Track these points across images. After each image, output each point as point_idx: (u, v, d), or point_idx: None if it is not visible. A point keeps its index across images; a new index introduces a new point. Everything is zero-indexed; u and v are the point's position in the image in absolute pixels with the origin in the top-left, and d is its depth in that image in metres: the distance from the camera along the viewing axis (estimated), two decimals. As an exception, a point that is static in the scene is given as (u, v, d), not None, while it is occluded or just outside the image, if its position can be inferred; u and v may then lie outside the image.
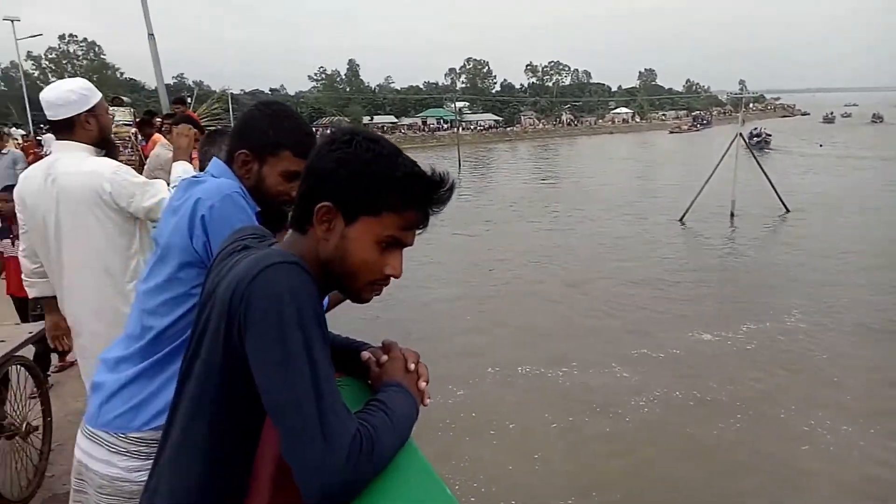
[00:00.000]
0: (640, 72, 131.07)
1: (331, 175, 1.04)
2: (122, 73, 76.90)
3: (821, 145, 44.53)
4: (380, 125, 74.05)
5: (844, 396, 6.41)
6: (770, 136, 43.71)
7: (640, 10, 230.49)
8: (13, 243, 4.49)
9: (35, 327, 3.56)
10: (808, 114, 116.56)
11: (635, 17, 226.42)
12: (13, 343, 3.25)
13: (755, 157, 18.21)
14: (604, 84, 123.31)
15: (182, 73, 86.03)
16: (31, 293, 2.63)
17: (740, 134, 17.67)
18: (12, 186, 4.87)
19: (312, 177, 1.07)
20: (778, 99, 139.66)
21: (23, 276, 2.63)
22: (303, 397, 0.88)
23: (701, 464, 5.26)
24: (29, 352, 3.74)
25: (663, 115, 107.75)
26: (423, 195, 1.06)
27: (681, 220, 16.06)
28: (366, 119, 77.12)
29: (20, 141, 19.31)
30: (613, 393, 6.38)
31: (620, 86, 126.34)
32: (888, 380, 6.75)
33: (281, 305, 0.91)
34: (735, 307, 9.14)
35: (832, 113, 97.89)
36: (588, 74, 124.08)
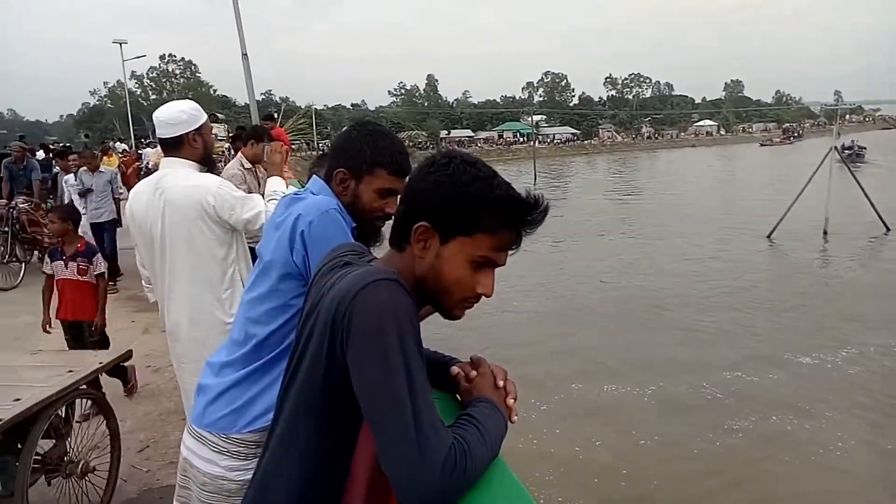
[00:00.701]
0: (725, 83, 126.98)
1: (428, 196, 1.08)
2: (215, 91, 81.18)
3: (927, 160, 41.40)
4: (456, 139, 74.77)
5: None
6: (864, 148, 41.12)
7: (727, 21, 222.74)
8: (66, 265, 4.30)
9: (106, 356, 3.30)
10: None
11: (721, 27, 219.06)
12: (80, 373, 2.94)
13: (851, 173, 17.16)
14: (687, 96, 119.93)
15: (270, 90, 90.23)
16: (151, 298, 2.84)
17: (835, 147, 16.74)
18: (64, 207, 4.77)
19: (411, 197, 1.12)
20: (878, 110, 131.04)
21: (143, 284, 2.88)
22: (400, 410, 0.92)
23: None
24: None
25: (749, 127, 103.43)
26: (516, 217, 1.09)
27: (768, 236, 15.33)
28: (443, 133, 78.04)
29: (122, 154, 20.77)
30: (705, 415, 6.11)
31: (704, 98, 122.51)
32: None
33: (382, 320, 0.95)
34: (832, 330, 8.61)
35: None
36: (670, 86, 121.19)
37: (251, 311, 1.55)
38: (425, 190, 1.09)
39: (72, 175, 8.17)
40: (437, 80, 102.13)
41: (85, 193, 7.77)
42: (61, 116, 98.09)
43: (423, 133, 72.43)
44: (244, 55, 11.74)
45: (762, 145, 75.94)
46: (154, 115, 2.57)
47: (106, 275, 4.47)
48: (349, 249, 1.23)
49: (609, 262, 13.32)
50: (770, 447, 5.59)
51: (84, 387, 3.02)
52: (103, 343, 4.41)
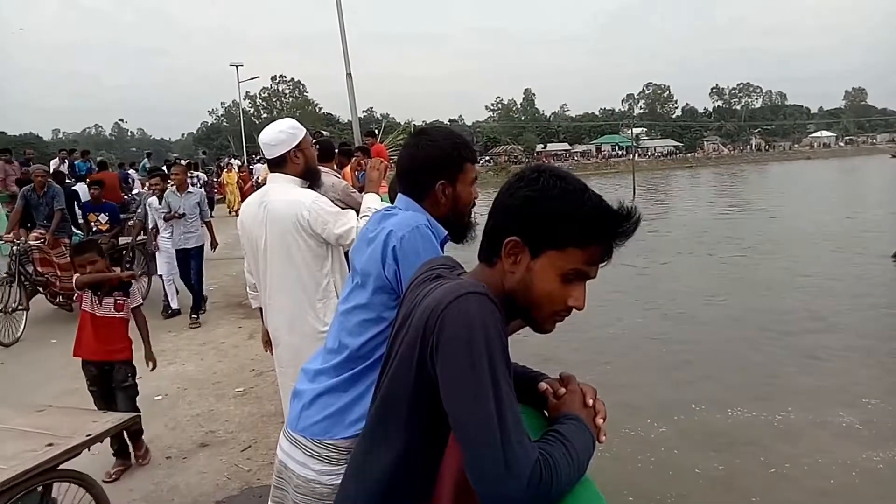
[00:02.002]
0: (846, 91, 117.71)
1: (519, 211, 1.09)
2: (320, 108, 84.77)
3: None
4: (552, 153, 74.11)
5: None
6: None
7: (846, 24, 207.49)
8: (101, 301, 3.70)
9: (100, 424, 2.69)
10: None
11: (840, 31, 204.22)
12: (60, 448, 2.39)
13: None
14: (801, 106, 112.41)
15: (371, 107, 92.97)
16: (254, 304, 3.05)
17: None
18: (83, 245, 3.99)
19: (501, 212, 1.12)
20: None
21: (248, 290, 3.09)
22: (488, 423, 0.92)
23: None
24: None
25: (873, 138, 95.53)
26: (607, 230, 1.08)
27: (893, 256, 14.07)
28: (539, 147, 77.56)
29: (237, 170, 22.21)
30: (840, 444, 5.69)
31: (822, 107, 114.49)
32: None
33: (471, 333, 0.97)
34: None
35: None
36: (783, 96, 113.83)
37: (345, 321, 1.61)
38: (515, 205, 1.10)
39: (155, 198, 7.47)
40: (534, 94, 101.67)
41: (171, 219, 7.06)
42: (183, 135, 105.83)
43: (519, 147, 72.27)
44: (348, 74, 12.31)
45: (894, 157, 69.76)
46: (259, 138, 2.77)
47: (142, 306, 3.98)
48: (441, 263, 1.26)
49: (717, 281, 12.68)
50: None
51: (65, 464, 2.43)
52: (134, 388, 3.82)
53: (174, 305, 7.56)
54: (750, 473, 5.30)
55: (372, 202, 2.67)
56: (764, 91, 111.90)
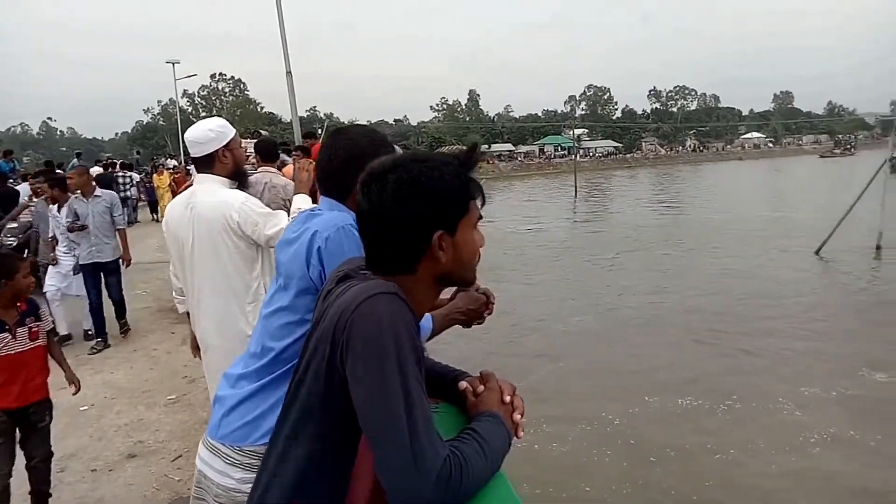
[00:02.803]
0: (774, 94, 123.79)
1: (427, 210, 1.09)
2: (262, 108, 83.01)
3: None
4: (497, 153, 74.86)
5: None
6: None
7: (776, 30, 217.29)
8: (14, 334, 3.02)
9: None
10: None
11: (770, 37, 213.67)
12: None
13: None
14: (733, 108, 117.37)
15: (314, 106, 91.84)
16: (180, 309, 2.96)
17: (889, 159, 16.10)
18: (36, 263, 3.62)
19: (407, 222, 1.09)
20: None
21: (174, 295, 2.98)
22: (396, 421, 0.92)
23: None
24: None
25: (798, 139, 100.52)
26: (472, 171, 1.17)
27: (817, 252, 14.79)
28: (483, 147, 78.21)
29: (172, 171, 21.46)
30: (781, 430, 6.01)
31: (752, 110, 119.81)
32: None
33: (380, 332, 0.96)
34: (884, 354, 8.24)
35: None
36: (716, 99, 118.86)
37: (268, 324, 1.56)
38: (418, 211, 1.08)
39: (54, 206, 6.35)
40: (478, 95, 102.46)
41: (75, 230, 6.00)
42: (116, 134, 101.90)
43: (464, 147, 72.41)
44: (288, 73, 12.13)
45: (822, 157, 73.46)
46: (185, 135, 2.66)
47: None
48: (357, 264, 1.24)
49: (658, 279, 13.02)
50: (852, 463, 5.40)
51: None
52: (48, 427, 3.22)
53: (62, 330, 6.16)
54: (704, 463, 5.46)
55: (302, 203, 2.62)
56: (699, 93, 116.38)
